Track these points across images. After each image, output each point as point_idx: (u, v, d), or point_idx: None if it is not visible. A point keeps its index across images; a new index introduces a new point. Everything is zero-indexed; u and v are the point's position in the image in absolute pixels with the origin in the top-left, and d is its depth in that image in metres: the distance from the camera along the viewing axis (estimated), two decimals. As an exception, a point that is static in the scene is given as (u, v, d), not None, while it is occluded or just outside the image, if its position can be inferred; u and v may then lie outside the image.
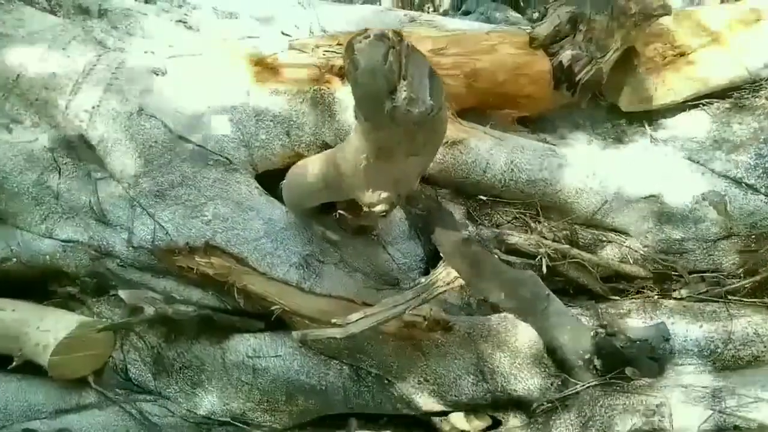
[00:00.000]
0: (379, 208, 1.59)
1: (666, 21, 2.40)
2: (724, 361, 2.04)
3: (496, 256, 2.20)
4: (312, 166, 1.66)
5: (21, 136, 1.92)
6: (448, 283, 1.90)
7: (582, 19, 2.23)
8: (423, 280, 1.90)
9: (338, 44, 2.08)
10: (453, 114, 2.24)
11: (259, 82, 2.07)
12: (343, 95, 2.11)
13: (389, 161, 1.36)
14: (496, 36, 2.31)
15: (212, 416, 2.10)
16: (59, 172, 1.96)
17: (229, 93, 2.03)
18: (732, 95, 2.42)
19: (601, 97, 2.49)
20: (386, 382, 2.11)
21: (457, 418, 2.22)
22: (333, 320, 1.84)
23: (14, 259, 1.95)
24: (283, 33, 2.43)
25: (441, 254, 1.86)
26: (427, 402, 2.13)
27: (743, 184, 2.15)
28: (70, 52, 1.95)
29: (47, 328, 1.89)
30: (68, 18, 2.05)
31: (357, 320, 1.83)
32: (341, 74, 2.12)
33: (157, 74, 1.99)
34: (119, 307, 2.02)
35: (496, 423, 2.24)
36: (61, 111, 1.90)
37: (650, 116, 2.44)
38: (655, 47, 2.39)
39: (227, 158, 2.01)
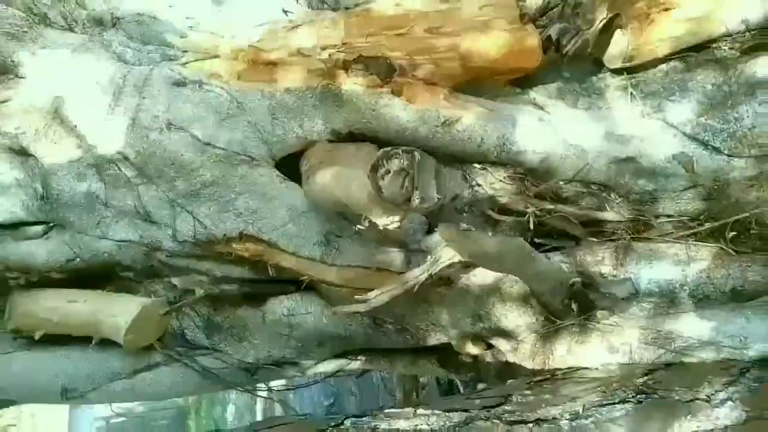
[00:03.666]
0: (391, 226, 1.90)
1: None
2: (681, 299, 2.45)
3: (488, 212, 2.55)
4: (329, 189, 1.93)
5: (67, 156, 2.15)
6: (450, 260, 2.25)
7: (570, -6, 2.34)
8: (429, 258, 2.24)
9: (343, 44, 2.22)
10: (449, 91, 2.44)
11: (271, 82, 2.24)
12: (349, 86, 2.29)
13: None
14: (489, 11, 2.41)
15: (258, 362, 2.57)
16: (104, 183, 2.21)
17: (246, 96, 2.21)
18: (709, 47, 2.58)
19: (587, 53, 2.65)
20: (399, 327, 2.54)
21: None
22: (356, 297, 2.21)
23: (78, 259, 2.27)
24: (284, 11, 2.53)
25: (445, 243, 2.18)
26: (433, 338, 2.58)
27: (709, 146, 2.41)
28: (98, 74, 2.11)
29: (116, 313, 2.27)
30: (85, 33, 2.16)
31: (376, 296, 2.20)
32: (346, 67, 2.28)
33: (179, 85, 2.16)
34: (172, 288, 2.39)
35: (489, 346, 2.73)
36: (99, 132, 2.11)
37: (633, 71, 2.62)
38: (641, 5, 2.50)
39: (250, 156, 2.26)
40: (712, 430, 1.83)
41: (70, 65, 2.13)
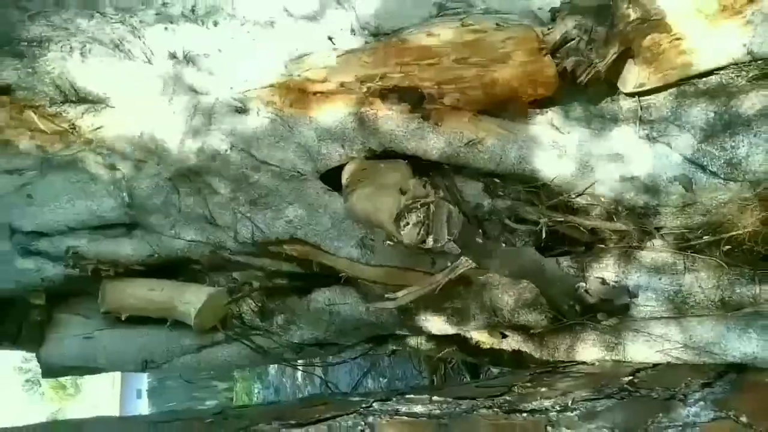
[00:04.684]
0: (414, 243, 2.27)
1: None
2: (675, 304, 2.75)
3: (505, 221, 2.88)
4: (364, 211, 2.30)
5: (149, 171, 2.58)
6: (468, 266, 2.61)
7: (586, 30, 2.60)
8: (449, 264, 2.60)
9: (380, 78, 2.55)
10: (473, 114, 2.75)
11: (317, 108, 2.60)
12: (384, 112, 2.64)
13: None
14: (511, 43, 2.69)
15: (303, 342, 3.01)
16: (178, 194, 2.64)
17: (296, 122, 2.59)
18: (718, 74, 2.80)
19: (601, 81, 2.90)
20: (424, 318, 2.93)
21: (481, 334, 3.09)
22: (386, 295, 2.60)
23: (156, 255, 2.73)
24: (329, 38, 2.86)
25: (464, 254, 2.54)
26: (451, 329, 2.96)
27: (707, 171, 2.67)
28: (173, 103, 2.51)
29: (187, 301, 2.73)
30: (162, 66, 2.55)
31: (403, 295, 2.59)
32: (382, 95, 2.62)
33: (240, 112, 2.54)
34: (233, 280, 2.84)
35: (504, 336, 3.10)
36: (175, 154, 2.53)
37: (644, 95, 2.86)
38: (653, 37, 2.73)
39: (299, 172, 2.64)
40: (681, 425, 2.16)
41: (150, 95, 2.53)
